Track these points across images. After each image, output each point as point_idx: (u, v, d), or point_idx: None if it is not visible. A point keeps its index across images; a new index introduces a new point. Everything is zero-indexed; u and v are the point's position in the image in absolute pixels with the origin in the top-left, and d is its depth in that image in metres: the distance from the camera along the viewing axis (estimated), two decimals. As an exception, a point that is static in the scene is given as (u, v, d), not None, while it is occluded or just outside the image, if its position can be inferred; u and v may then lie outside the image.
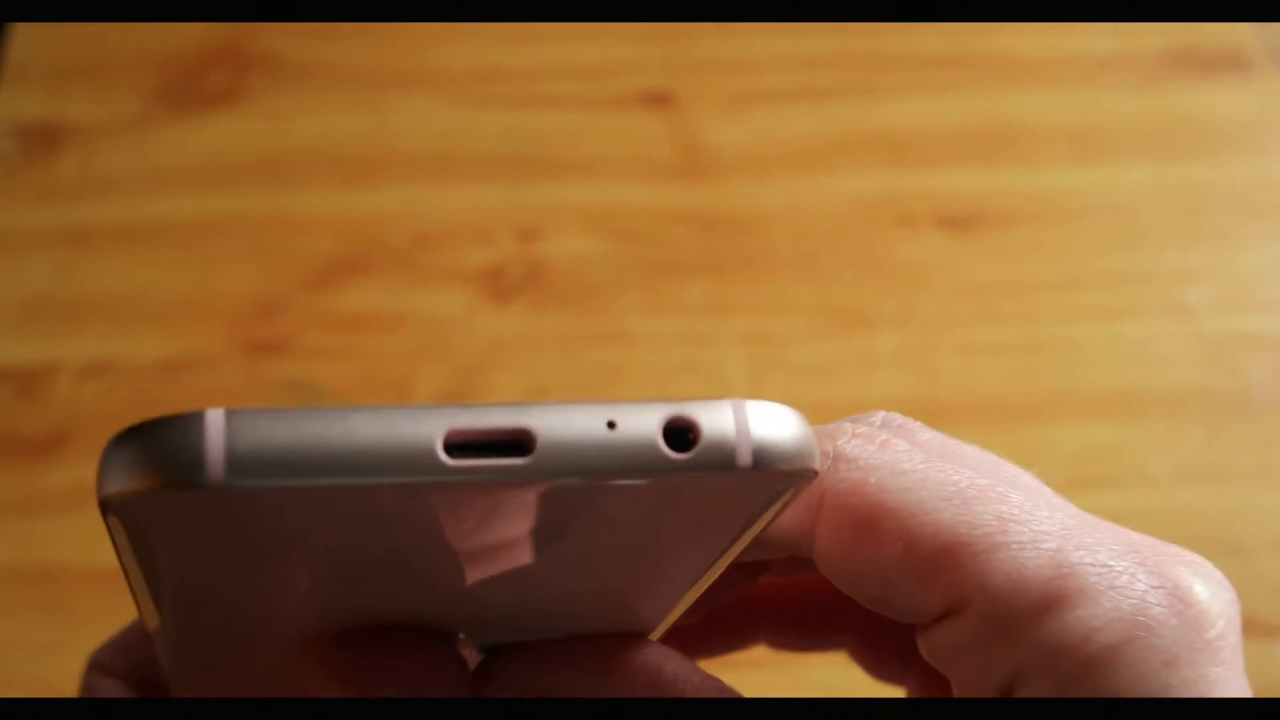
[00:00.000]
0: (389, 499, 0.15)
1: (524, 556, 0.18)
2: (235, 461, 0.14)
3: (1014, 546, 0.17)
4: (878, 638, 0.24)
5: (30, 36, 0.63)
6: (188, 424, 0.14)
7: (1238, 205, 0.58)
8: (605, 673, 0.19)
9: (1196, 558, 0.19)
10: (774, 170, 0.59)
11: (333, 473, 0.14)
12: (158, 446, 0.14)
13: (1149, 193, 0.58)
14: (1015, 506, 0.18)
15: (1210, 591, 0.18)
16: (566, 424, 0.15)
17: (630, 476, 0.15)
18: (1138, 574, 0.18)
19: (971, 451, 0.20)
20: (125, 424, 0.15)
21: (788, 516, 0.18)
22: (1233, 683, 0.18)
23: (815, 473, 0.16)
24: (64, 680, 0.46)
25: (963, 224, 0.57)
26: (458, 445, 0.15)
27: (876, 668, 0.25)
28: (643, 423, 0.15)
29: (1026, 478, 0.20)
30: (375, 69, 0.62)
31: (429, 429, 0.14)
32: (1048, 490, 0.20)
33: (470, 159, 0.59)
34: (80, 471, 0.50)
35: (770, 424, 0.15)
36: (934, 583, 0.18)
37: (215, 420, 0.15)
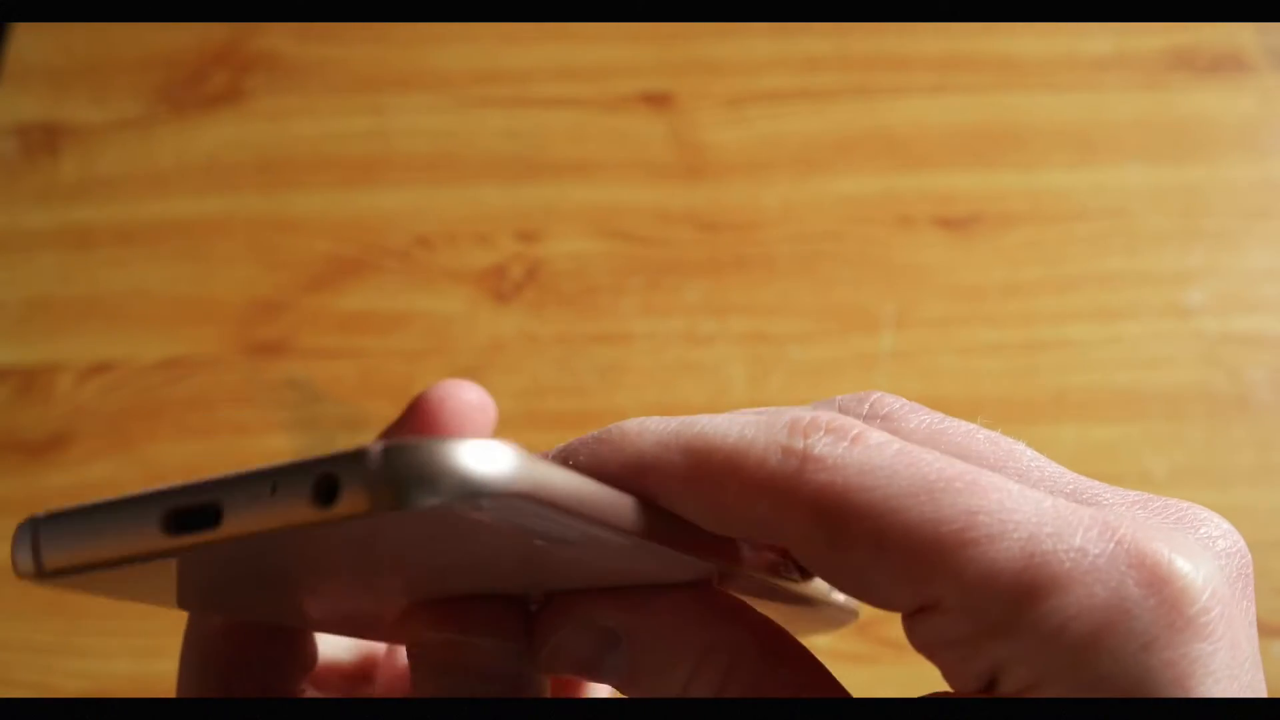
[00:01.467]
0: (263, 547, 0.17)
1: (446, 566, 0.20)
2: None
3: (983, 541, 0.17)
4: None
5: (30, 36, 0.63)
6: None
7: (1237, 206, 0.58)
8: (667, 610, 0.20)
9: (1191, 526, 0.19)
10: (774, 170, 0.59)
11: (112, 559, 0.18)
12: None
13: (1148, 193, 0.58)
14: (984, 498, 0.18)
15: (1193, 565, 0.17)
16: (243, 492, 0.16)
17: (302, 530, 0.16)
18: (1115, 556, 0.17)
19: (961, 431, 0.20)
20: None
21: (750, 511, 0.19)
22: (1218, 656, 0.17)
23: (484, 496, 0.16)
24: (64, 681, 0.47)
25: (962, 225, 0.57)
26: (175, 523, 0.17)
27: None
28: (298, 483, 0.16)
29: (1019, 452, 0.20)
30: (375, 69, 0.62)
31: (149, 511, 0.17)
32: (1044, 462, 0.20)
33: (470, 159, 0.59)
34: (81, 471, 0.50)
35: (408, 462, 0.15)
36: (906, 582, 0.18)
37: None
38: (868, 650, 0.45)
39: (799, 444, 0.18)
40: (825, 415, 0.19)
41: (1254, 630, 0.18)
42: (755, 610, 0.20)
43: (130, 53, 0.62)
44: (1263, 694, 0.18)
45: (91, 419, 0.51)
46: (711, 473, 0.19)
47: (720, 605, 0.20)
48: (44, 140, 0.59)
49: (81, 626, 0.47)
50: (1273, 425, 0.51)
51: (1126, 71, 0.63)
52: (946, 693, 0.19)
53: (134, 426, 0.51)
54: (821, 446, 0.18)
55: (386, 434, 0.26)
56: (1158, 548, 0.17)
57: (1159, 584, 0.17)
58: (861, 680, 0.42)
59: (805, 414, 0.19)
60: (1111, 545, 0.17)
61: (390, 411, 0.52)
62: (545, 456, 0.20)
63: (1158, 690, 0.17)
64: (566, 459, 0.20)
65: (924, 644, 0.18)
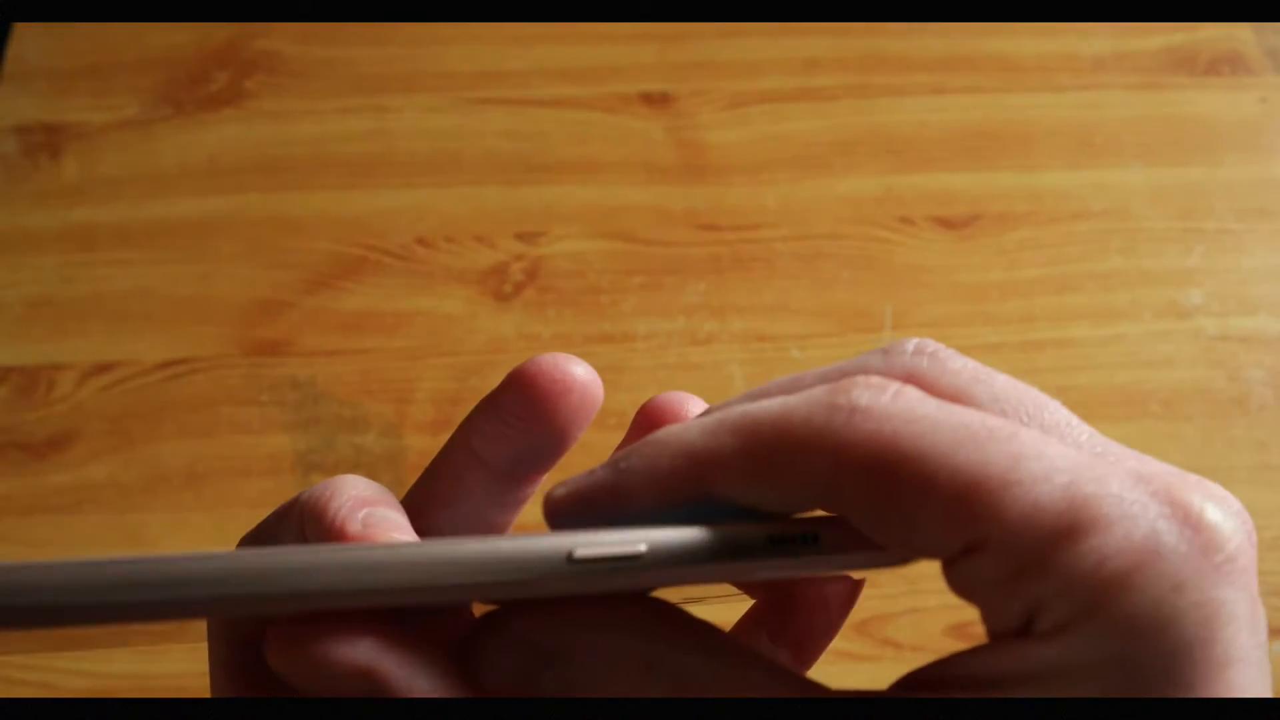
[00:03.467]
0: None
1: None
2: None
3: (1027, 483, 0.18)
4: None
5: (31, 37, 0.63)
6: None
7: (1236, 206, 0.58)
8: (602, 622, 0.20)
9: (1215, 487, 0.20)
10: (773, 171, 0.59)
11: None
12: None
13: (1147, 193, 0.58)
14: (1027, 444, 0.19)
15: (1222, 516, 0.19)
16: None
17: None
18: (1149, 503, 0.18)
19: (1002, 382, 0.21)
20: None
21: (802, 474, 0.20)
22: (1241, 604, 0.18)
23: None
24: (64, 680, 0.47)
25: (961, 224, 0.57)
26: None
27: None
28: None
29: (1053, 408, 0.21)
30: (376, 70, 0.62)
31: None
32: (1074, 420, 0.21)
33: (471, 159, 0.59)
34: (81, 472, 0.50)
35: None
36: (952, 523, 0.18)
37: None
38: (868, 650, 0.45)
39: (843, 399, 0.19)
40: (862, 374, 0.20)
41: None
42: (700, 620, 0.20)
43: (131, 53, 0.62)
44: (1267, 654, 0.19)
45: (92, 419, 0.51)
46: (764, 443, 0.19)
47: (662, 615, 0.20)
48: (45, 140, 0.59)
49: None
50: (1272, 425, 0.51)
51: (1126, 72, 0.63)
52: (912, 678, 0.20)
53: (135, 426, 0.51)
54: (866, 399, 0.19)
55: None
56: (1190, 497, 0.19)
57: (1191, 530, 0.18)
58: (862, 680, 0.42)
59: (848, 365, 0.21)
60: (1147, 493, 0.18)
61: (390, 411, 0.52)
62: (602, 467, 0.21)
63: (1183, 629, 0.18)
64: (618, 464, 0.21)
65: (966, 587, 0.19)
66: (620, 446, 0.23)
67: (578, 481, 0.21)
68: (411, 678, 0.19)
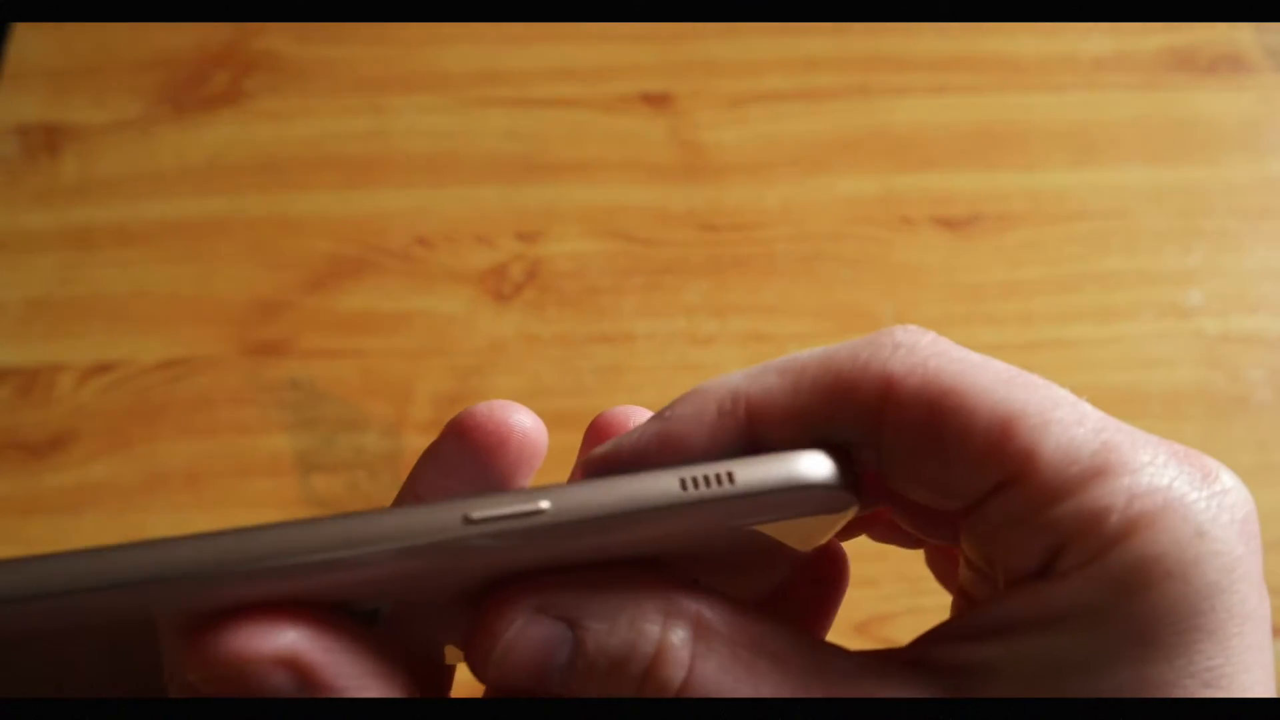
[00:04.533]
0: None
1: None
2: None
3: (1064, 422, 0.19)
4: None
5: (31, 37, 0.63)
6: None
7: (1236, 206, 0.58)
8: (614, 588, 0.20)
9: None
10: (773, 171, 0.59)
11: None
12: None
13: (1147, 193, 0.58)
14: (1059, 392, 0.20)
15: (1235, 482, 0.19)
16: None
17: None
18: (1170, 458, 0.19)
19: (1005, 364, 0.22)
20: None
21: (850, 408, 0.20)
22: (1254, 564, 0.19)
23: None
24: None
25: (961, 224, 0.57)
26: None
27: (945, 578, 0.26)
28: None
29: (1066, 392, 0.22)
30: (375, 69, 0.62)
31: None
32: (1087, 403, 0.22)
33: (470, 159, 0.59)
34: (81, 472, 0.50)
35: None
36: (990, 454, 0.19)
37: None
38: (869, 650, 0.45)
39: (886, 339, 0.20)
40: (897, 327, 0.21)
41: None
42: (683, 574, 0.20)
43: (131, 53, 0.62)
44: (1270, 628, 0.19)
45: (92, 419, 0.51)
46: (811, 380, 0.20)
47: (664, 575, 0.20)
48: (44, 140, 0.59)
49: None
50: (1272, 425, 0.51)
51: (1126, 71, 0.63)
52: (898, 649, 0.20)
53: (135, 427, 0.51)
54: (911, 336, 0.20)
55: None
56: (1207, 461, 0.19)
57: (1211, 485, 0.19)
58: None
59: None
60: (1167, 451, 0.19)
61: (390, 411, 0.52)
62: (646, 422, 0.21)
63: (1204, 572, 0.18)
64: (664, 414, 0.21)
65: (987, 531, 0.19)
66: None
67: (621, 439, 0.21)
68: (338, 667, 0.18)
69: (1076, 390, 0.21)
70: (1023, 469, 0.19)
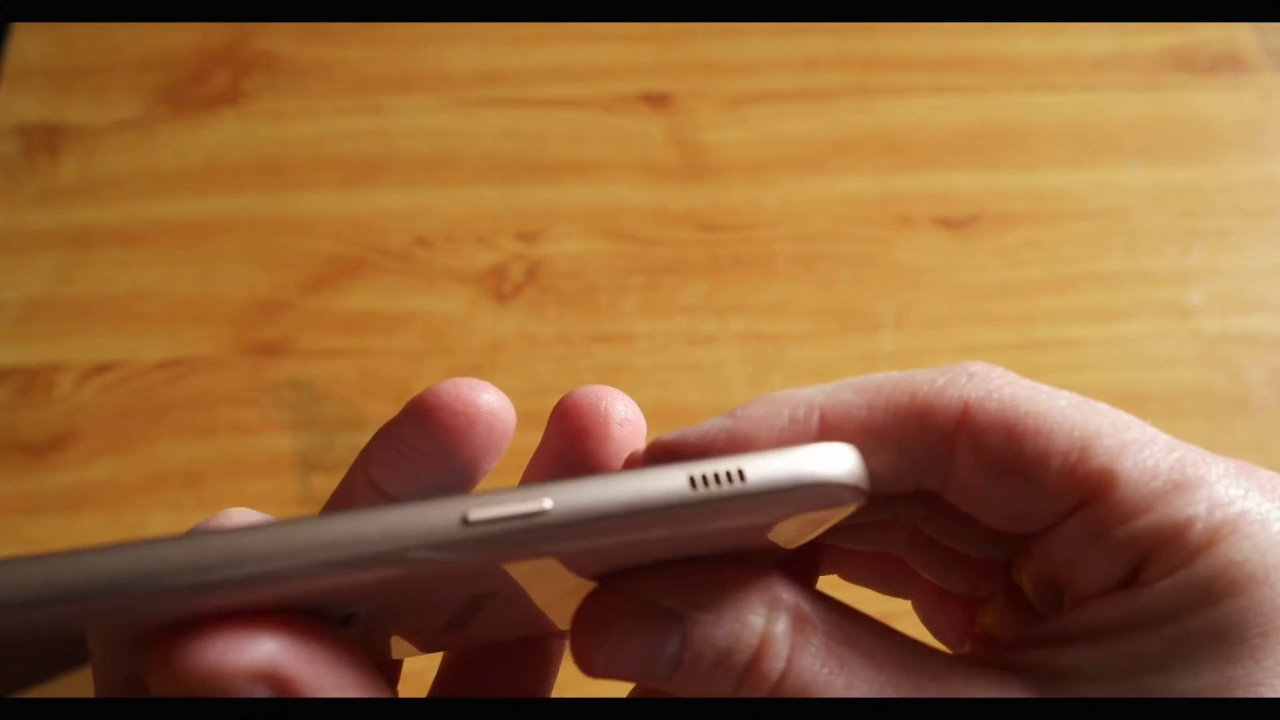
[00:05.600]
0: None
1: None
2: None
3: (1139, 441, 0.20)
4: (941, 603, 0.26)
5: (30, 37, 0.63)
6: None
7: (1236, 206, 0.58)
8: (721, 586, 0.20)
9: None
10: (773, 170, 0.59)
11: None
12: None
13: (1147, 193, 0.58)
14: (1127, 416, 0.20)
15: None
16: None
17: None
18: (1239, 472, 0.20)
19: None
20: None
21: (926, 432, 0.20)
22: None
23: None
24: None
25: (961, 224, 0.57)
26: None
27: (939, 630, 0.26)
28: None
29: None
30: (375, 69, 0.62)
31: None
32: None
33: (470, 159, 0.59)
34: (81, 472, 0.50)
35: None
36: (1070, 474, 0.19)
37: None
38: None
39: (960, 369, 0.21)
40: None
41: None
42: (784, 572, 0.20)
43: (130, 53, 0.62)
44: None
45: (92, 419, 0.51)
46: (888, 400, 0.20)
47: (764, 570, 0.20)
48: (44, 140, 0.59)
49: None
50: (1272, 425, 0.51)
51: (1126, 71, 0.63)
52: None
53: (134, 426, 0.51)
54: (982, 370, 0.21)
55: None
56: (1263, 472, 0.20)
57: (1272, 500, 0.20)
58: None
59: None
60: (1234, 466, 0.20)
61: (390, 411, 0.52)
62: (716, 419, 0.21)
63: None
64: (736, 413, 0.21)
65: (1068, 548, 0.20)
66: (539, 448, 0.23)
67: (687, 431, 0.21)
68: (318, 678, 0.17)
69: (1076, 390, 0.21)
70: (1102, 488, 0.19)
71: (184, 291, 0.55)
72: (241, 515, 0.21)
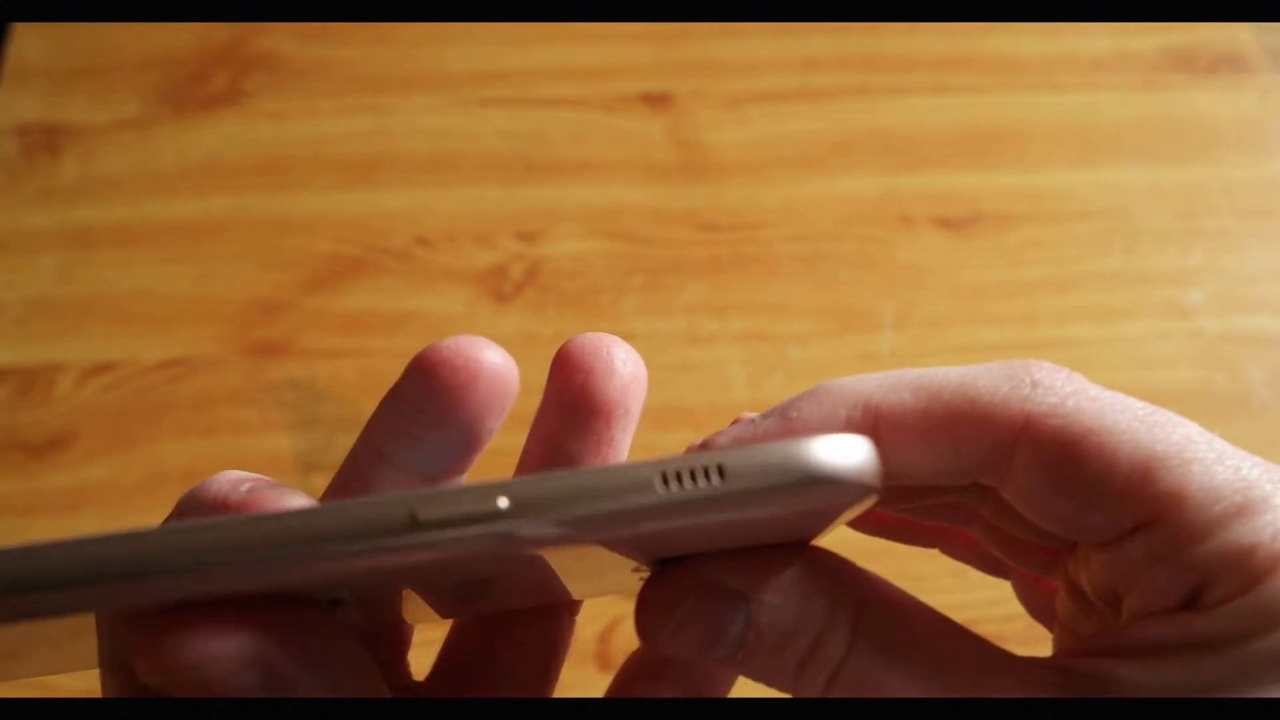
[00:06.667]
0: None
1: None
2: None
3: (1205, 461, 0.19)
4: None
5: (31, 37, 0.63)
6: None
7: (1236, 206, 0.58)
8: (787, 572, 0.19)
9: None
10: (773, 171, 0.59)
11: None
12: None
13: (1147, 193, 0.58)
14: (1194, 429, 0.20)
15: None
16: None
17: None
18: None
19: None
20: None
21: (983, 440, 0.19)
22: None
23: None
24: (63, 680, 0.47)
25: (961, 224, 0.57)
26: None
27: (1034, 609, 0.26)
28: None
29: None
30: (375, 70, 0.62)
31: None
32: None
33: (470, 159, 0.59)
34: (81, 472, 0.50)
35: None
36: (1132, 495, 0.19)
37: None
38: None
39: (1024, 374, 0.20)
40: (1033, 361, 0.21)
41: None
42: (851, 561, 0.20)
43: (130, 53, 0.62)
44: None
45: (92, 419, 0.51)
46: (946, 404, 0.20)
47: (828, 558, 0.20)
48: (44, 140, 0.59)
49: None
50: (1273, 425, 0.51)
51: (1126, 71, 0.63)
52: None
53: (134, 426, 0.51)
54: (1048, 377, 0.20)
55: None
56: None
57: None
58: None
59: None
60: None
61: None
62: (766, 416, 0.20)
63: None
64: (788, 413, 0.20)
65: (1129, 565, 0.19)
66: (542, 402, 0.23)
67: (738, 431, 0.21)
68: (307, 664, 0.17)
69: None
70: (1166, 510, 0.19)
71: (184, 291, 0.55)
72: (230, 476, 0.20)
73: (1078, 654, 0.20)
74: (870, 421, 0.20)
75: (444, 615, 0.23)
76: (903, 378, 0.20)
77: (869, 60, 0.63)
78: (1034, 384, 0.20)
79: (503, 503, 0.16)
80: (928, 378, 0.20)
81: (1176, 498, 0.19)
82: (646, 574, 0.21)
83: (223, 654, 0.17)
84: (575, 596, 0.23)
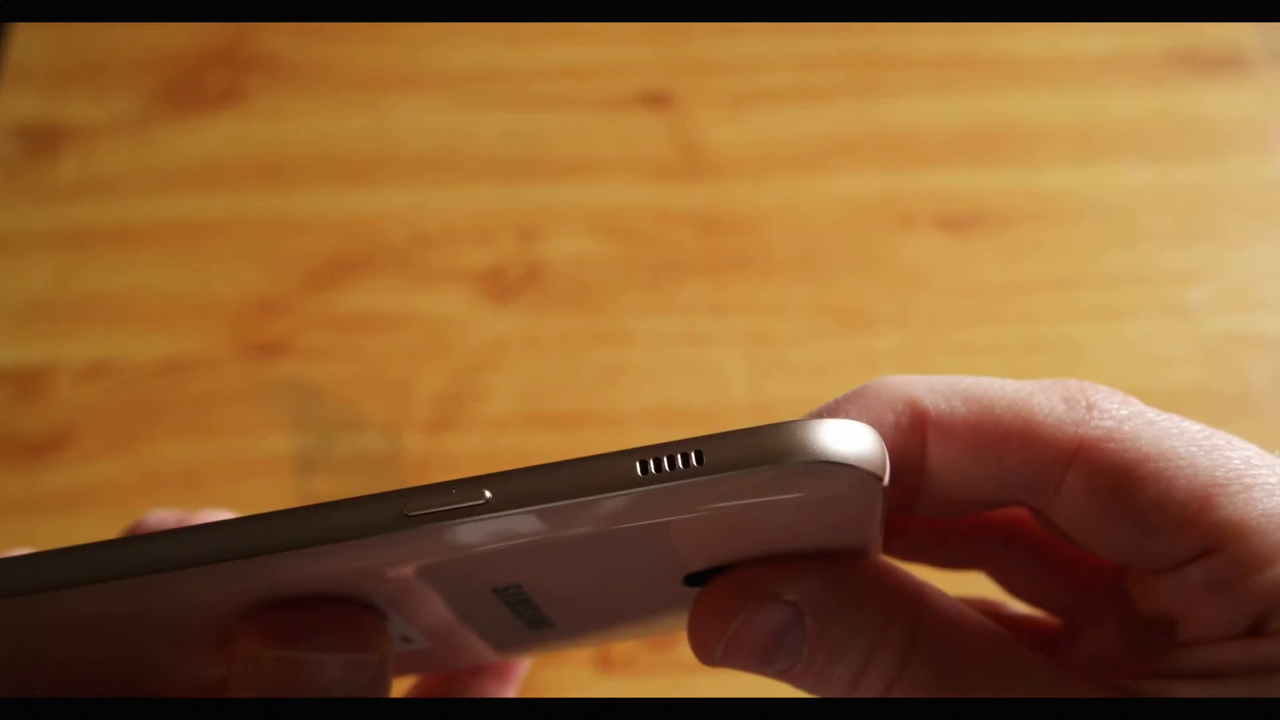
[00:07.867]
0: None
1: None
2: None
3: (1265, 487, 0.19)
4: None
5: (30, 36, 0.63)
6: None
7: (1237, 205, 0.58)
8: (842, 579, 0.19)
9: None
10: (773, 170, 0.59)
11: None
12: None
13: (1148, 193, 0.58)
14: (1255, 454, 0.19)
15: None
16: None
17: None
18: None
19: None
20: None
21: (1033, 460, 0.19)
22: None
23: None
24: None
25: (962, 224, 0.57)
26: None
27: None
28: None
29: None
30: (375, 69, 0.62)
31: None
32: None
33: (470, 159, 0.59)
34: (80, 472, 0.50)
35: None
36: (1191, 524, 0.19)
37: None
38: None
39: (1080, 396, 0.20)
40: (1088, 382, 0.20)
41: None
42: (909, 573, 0.20)
43: (130, 53, 0.62)
44: None
45: (91, 419, 0.51)
46: (997, 419, 0.19)
47: (884, 569, 0.20)
48: (43, 140, 0.59)
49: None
50: (1274, 425, 0.51)
51: (1127, 71, 0.62)
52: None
53: (134, 426, 0.51)
54: (1104, 400, 0.20)
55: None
56: None
57: None
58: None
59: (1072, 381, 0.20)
60: None
61: (390, 411, 0.52)
62: (817, 413, 0.20)
63: None
64: (834, 411, 0.20)
65: (1190, 592, 0.19)
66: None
67: None
68: (385, 663, 0.19)
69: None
70: (1228, 538, 0.18)
71: (183, 291, 0.55)
72: (160, 515, 0.22)
73: (1137, 674, 0.19)
74: (918, 427, 0.19)
75: (515, 654, 0.24)
76: (955, 385, 0.20)
77: (869, 59, 0.63)
78: (1089, 406, 0.20)
79: (486, 494, 0.17)
80: (981, 388, 0.20)
81: (1238, 525, 0.18)
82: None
83: (328, 645, 0.19)
84: (638, 631, 0.24)
